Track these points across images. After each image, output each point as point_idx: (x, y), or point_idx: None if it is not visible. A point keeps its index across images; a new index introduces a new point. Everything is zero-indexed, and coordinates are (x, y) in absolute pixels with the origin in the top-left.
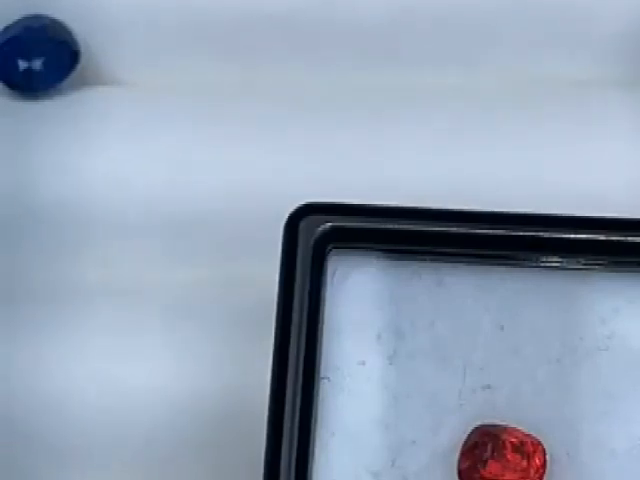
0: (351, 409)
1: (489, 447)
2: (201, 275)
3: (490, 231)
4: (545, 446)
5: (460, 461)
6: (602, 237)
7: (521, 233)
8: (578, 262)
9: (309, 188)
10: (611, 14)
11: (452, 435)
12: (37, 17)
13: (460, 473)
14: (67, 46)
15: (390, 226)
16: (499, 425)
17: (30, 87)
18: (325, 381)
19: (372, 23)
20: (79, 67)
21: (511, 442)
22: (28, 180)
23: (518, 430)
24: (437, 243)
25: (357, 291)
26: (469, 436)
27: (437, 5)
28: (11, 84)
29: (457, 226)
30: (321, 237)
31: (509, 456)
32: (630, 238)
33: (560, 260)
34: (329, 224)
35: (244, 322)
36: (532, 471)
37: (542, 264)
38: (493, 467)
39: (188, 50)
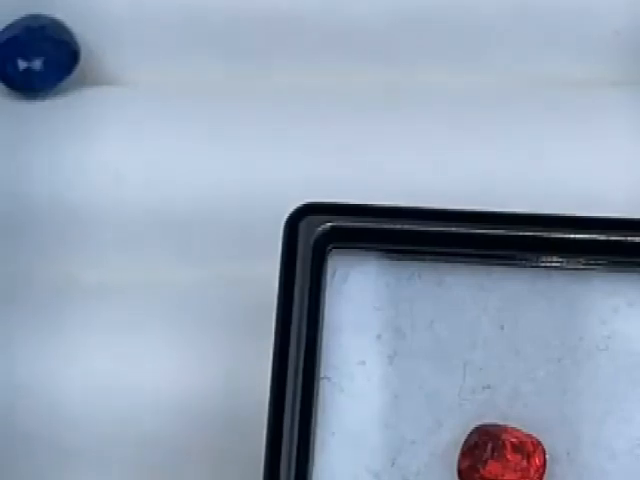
0: (351, 409)
1: (489, 447)
2: (201, 275)
3: (490, 231)
4: (545, 446)
5: (460, 461)
6: (602, 237)
7: (521, 233)
8: (578, 262)
9: (309, 188)
10: (611, 14)
11: (452, 435)
12: (37, 17)
13: (460, 473)
14: (67, 46)
15: (390, 226)
16: (499, 425)
17: (30, 87)
18: (325, 381)
19: (372, 23)
20: (79, 67)
21: (511, 442)
22: (28, 180)
23: (518, 430)
24: (437, 243)
25: (357, 291)
26: (469, 436)
27: (437, 5)
28: (11, 84)
29: (457, 226)
30: (321, 237)
31: (509, 456)
32: (630, 238)
33: (560, 260)
34: (329, 224)
35: (244, 322)
36: (532, 471)
37: (542, 264)
38: (493, 467)
39: (188, 50)
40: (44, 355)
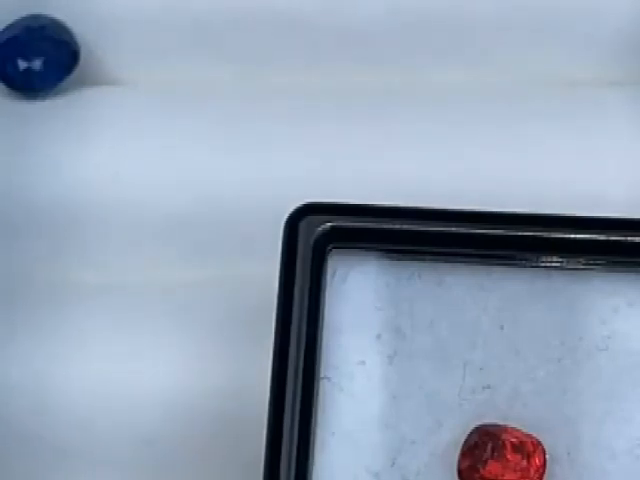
0: (351, 409)
1: (489, 447)
2: (201, 275)
3: (490, 231)
4: (545, 446)
5: (460, 461)
6: (602, 237)
7: (521, 233)
8: (578, 262)
9: (309, 188)
10: (611, 14)
11: (452, 435)
12: (37, 17)
13: (460, 473)
14: (67, 46)
15: (390, 226)
16: (499, 425)
17: (30, 87)
18: (325, 381)
19: (372, 23)
20: (79, 67)
21: (511, 442)
22: (27, 180)
23: (518, 430)
24: (437, 243)
25: (357, 291)
26: (469, 436)
27: (438, 5)
28: (11, 84)
29: (457, 226)
30: (321, 237)
31: (509, 456)
32: (630, 238)
33: (560, 260)
34: (329, 224)
35: (244, 322)
36: (532, 471)
37: (542, 264)
38: (493, 467)
39: (188, 50)
40: (43, 355)
